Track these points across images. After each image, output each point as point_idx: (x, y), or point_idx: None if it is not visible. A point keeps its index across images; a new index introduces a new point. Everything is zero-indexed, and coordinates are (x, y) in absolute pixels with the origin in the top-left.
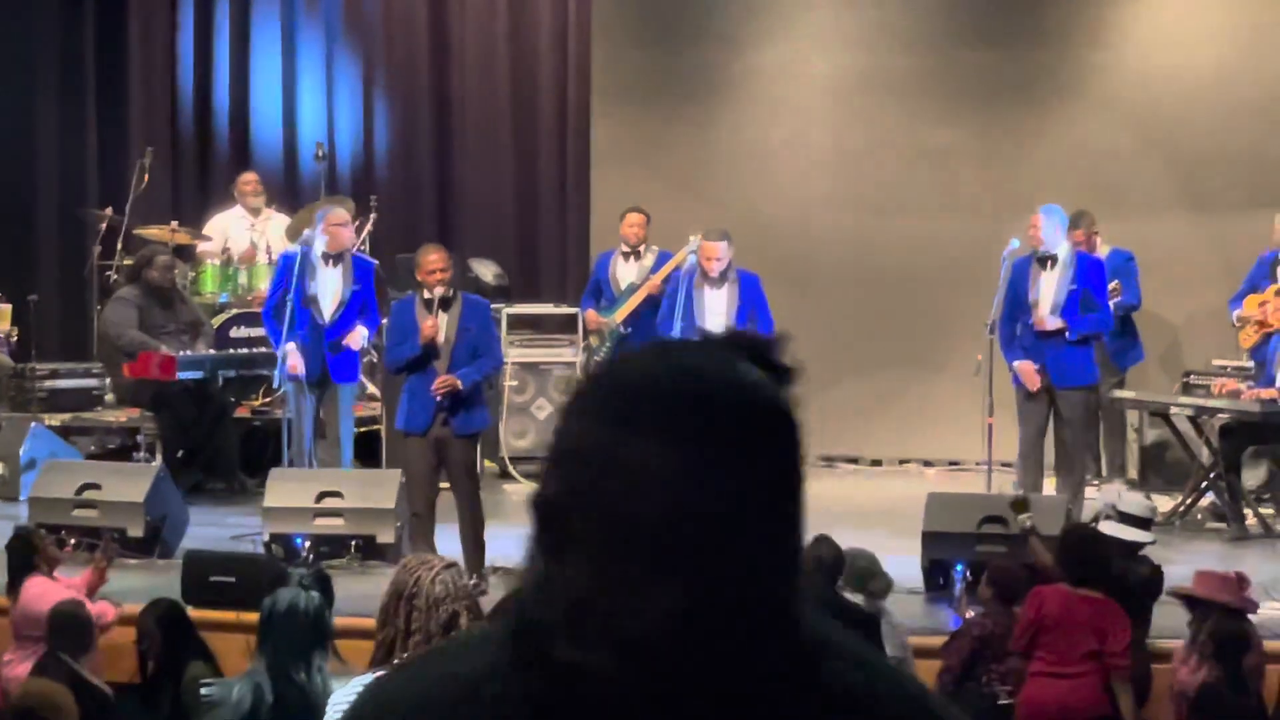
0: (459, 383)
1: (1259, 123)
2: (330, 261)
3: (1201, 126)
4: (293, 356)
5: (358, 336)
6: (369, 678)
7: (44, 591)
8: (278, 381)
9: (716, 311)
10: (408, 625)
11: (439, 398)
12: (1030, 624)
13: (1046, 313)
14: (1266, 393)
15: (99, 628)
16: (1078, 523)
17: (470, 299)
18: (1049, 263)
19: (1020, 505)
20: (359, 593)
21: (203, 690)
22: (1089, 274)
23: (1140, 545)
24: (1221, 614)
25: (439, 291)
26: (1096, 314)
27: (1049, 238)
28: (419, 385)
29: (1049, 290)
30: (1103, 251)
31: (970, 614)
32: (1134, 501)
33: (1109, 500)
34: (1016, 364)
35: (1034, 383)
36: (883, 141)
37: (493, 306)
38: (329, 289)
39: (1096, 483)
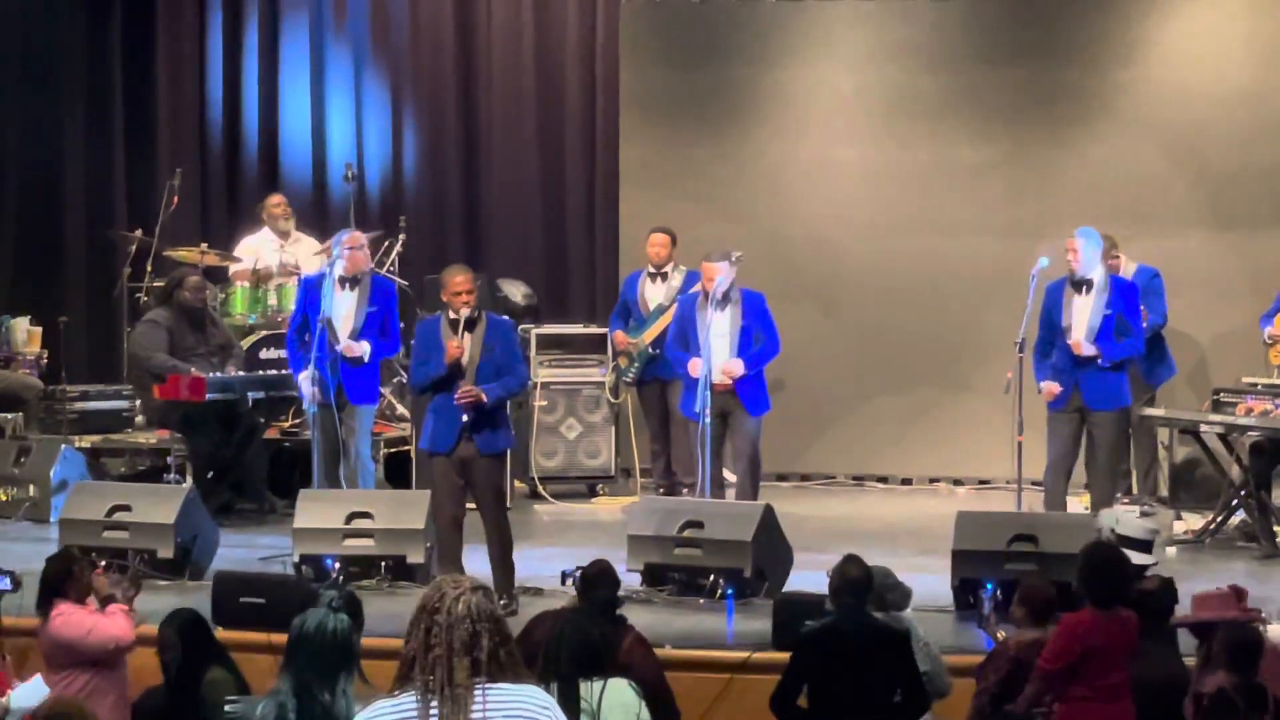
0: (483, 395)
1: None
2: (347, 285)
3: (1229, 143)
4: (304, 386)
5: (358, 347)
6: (389, 700)
7: (69, 619)
8: (307, 403)
9: (720, 333)
10: (427, 640)
11: (462, 408)
12: (1071, 655)
13: (1082, 337)
14: None
15: (118, 648)
16: (1098, 542)
17: (494, 319)
18: (1084, 287)
19: None
20: (389, 613)
21: (227, 708)
22: (1123, 298)
23: (1144, 567)
24: (1228, 625)
25: (463, 312)
26: (1129, 340)
27: (1086, 261)
28: (443, 405)
29: (1083, 315)
30: (1129, 269)
31: (1001, 633)
32: (1132, 523)
33: (1107, 524)
34: (1043, 384)
35: (1052, 393)
36: (910, 160)
37: (521, 327)
38: (343, 312)
39: (1126, 500)
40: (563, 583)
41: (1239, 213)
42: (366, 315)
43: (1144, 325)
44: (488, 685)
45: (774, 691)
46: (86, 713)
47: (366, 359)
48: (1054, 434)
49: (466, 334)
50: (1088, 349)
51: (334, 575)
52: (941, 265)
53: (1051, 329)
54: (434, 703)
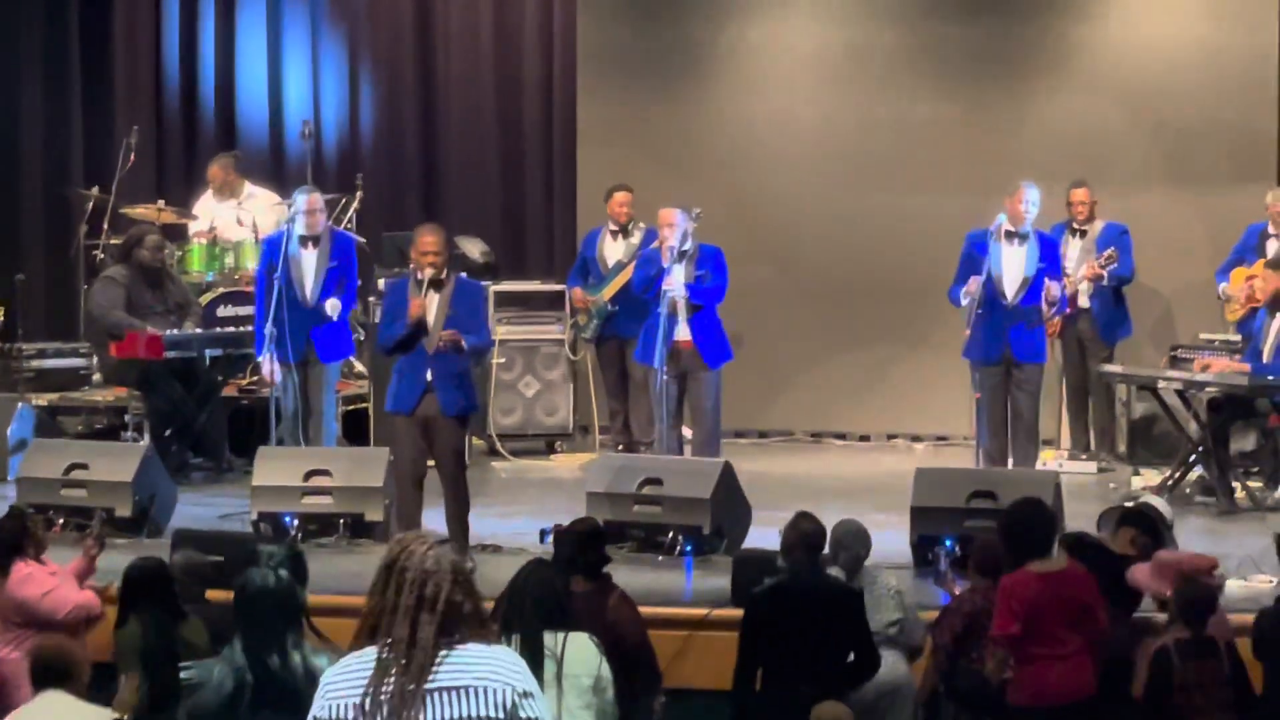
0: (463, 340)
1: (1245, 95)
2: (310, 243)
3: (1188, 99)
4: (264, 367)
5: (332, 306)
6: (353, 656)
7: (28, 576)
8: (265, 367)
9: (677, 284)
10: (395, 599)
11: (427, 367)
12: (1016, 616)
13: (1016, 288)
14: (1240, 366)
15: (89, 617)
16: (1026, 498)
17: (464, 282)
18: (1016, 240)
19: None
20: (347, 571)
21: (183, 673)
22: (1050, 252)
23: None
24: (1186, 581)
25: (428, 273)
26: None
27: (1030, 214)
28: (407, 366)
29: (1015, 267)
30: (1097, 225)
31: (958, 589)
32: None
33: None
34: (967, 283)
35: (973, 286)
36: (868, 117)
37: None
38: (308, 269)
39: (1084, 456)
40: (541, 541)
41: (1197, 169)
42: (327, 272)
43: (1107, 272)
44: (452, 649)
45: (735, 667)
46: (78, 656)
47: (337, 317)
48: (986, 389)
49: (434, 294)
50: (1085, 294)
51: (293, 533)
52: (899, 222)
53: (972, 273)
54: (398, 659)
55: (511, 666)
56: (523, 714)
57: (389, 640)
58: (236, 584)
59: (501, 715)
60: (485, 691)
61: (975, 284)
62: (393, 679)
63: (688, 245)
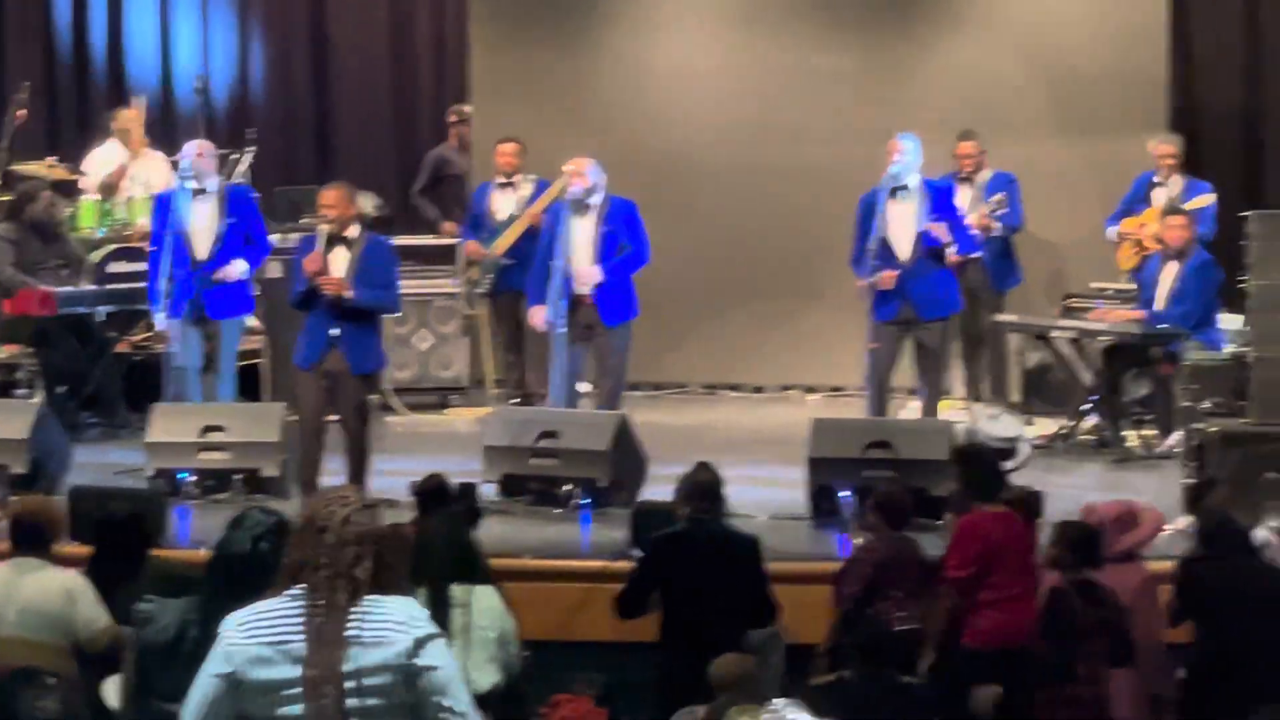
0: (346, 288)
1: (1138, 45)
2: (200, 196)
3: (1081, 49)
4: (171, 330)
5: (234, 269)
6: (269, 601)
7: None
8: (160, 324)
9: (581, 243)
10: (316, 556)
11: (330, 322)
12: (979, 558)
13: (907, 246)
14: (1135, 314)
15: None
16: (972, 441)
17: (375, 239)
18: (899, 193)
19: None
20: None
21: (140, 605)
22: (941, 202)
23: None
24: (1068, 523)
25: (324, 229)
26: (966, 238)
27: (908, 165)
28: (314, 321)
29: (905, 223)
30: (985, 175)
31: (860, 539)
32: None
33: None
34: (878, 276)
35: (890, 283)
36: (765, 68)
37: None
38: (201, 225)
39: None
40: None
41: (1090, 118)
42: (228, 226)
43: (996, 218)
44: (359, 603)
45: (619, 594)
46: (56, 517)
47: (241, 276)
48: (880, 344)
49: (343, 250)
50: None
51: (188, 488)
52: (796, 173)
53: (866, 240)
54: (316, 618)
55: (412, 616)
56: (420, 661)
57: (312, 599)
58: (216, 541)
59: (402, 663)
60: (383, 644)
61: (873, 243)
62: (313, 628)
63: (595, 199)
